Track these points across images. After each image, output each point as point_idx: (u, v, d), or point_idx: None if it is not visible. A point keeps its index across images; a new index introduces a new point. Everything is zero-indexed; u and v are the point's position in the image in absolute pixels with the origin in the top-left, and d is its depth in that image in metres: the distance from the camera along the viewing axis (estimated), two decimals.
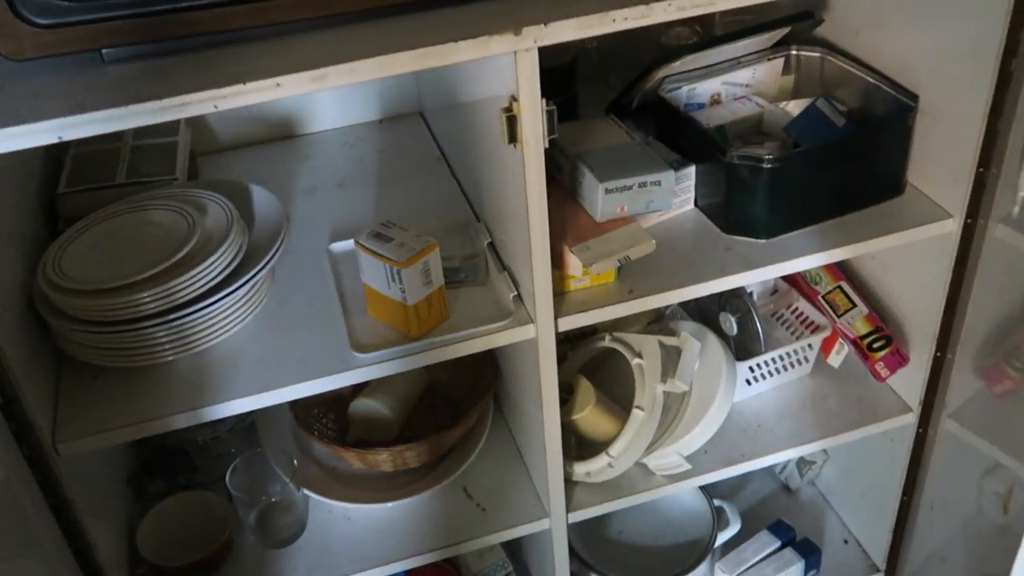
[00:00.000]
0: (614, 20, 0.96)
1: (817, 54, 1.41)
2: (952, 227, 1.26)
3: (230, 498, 1.30)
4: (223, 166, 1.48)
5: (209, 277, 1.07)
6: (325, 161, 1.49)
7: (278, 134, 1.55)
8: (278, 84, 0.89)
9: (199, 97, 0.87)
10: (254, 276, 1.10)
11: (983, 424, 1.36)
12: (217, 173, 1.45)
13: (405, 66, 0.92)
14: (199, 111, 0.88)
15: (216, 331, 1.11)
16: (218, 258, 1.08)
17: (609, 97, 1.43)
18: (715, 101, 1.40)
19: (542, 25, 0.94)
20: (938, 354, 1.38)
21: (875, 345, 1.41)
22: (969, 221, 1.26)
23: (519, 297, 1.17)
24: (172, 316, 1.05)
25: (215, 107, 0.88)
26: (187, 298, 1.06)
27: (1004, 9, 1.08)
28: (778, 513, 1.72)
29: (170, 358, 1.10)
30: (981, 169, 1.20)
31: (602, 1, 0.96)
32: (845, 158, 1.25)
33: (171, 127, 1.40)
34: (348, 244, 1.25)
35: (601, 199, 1.17)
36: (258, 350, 1.13)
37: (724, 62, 1.39)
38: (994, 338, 1.31)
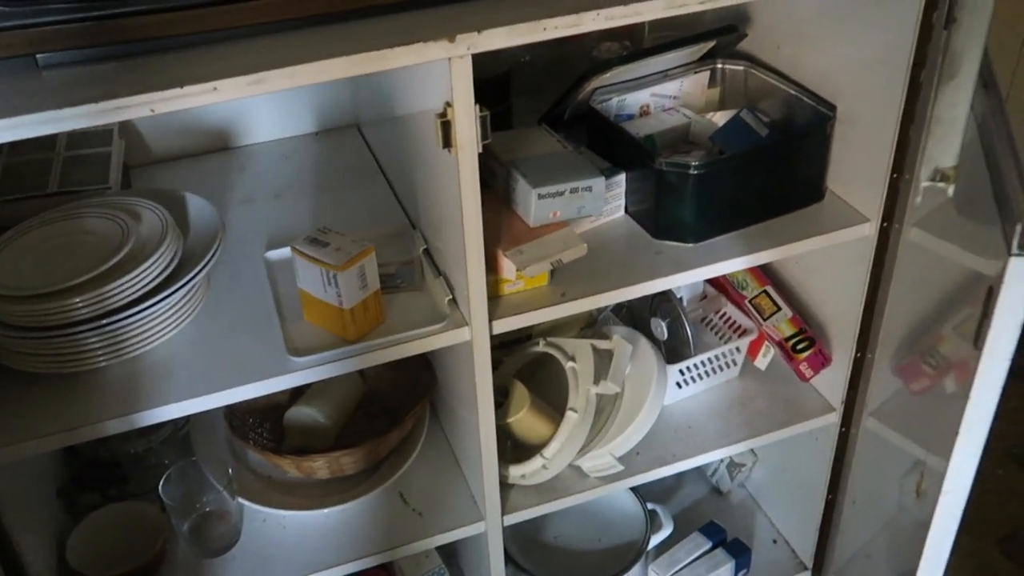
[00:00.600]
0: (545, 28, 0.99)
1: (741, 67, 1.46)
2: (869, 231, 1.32)
3: (163, 508, 1.29)
4: (157, 178, 1.47)
5: (143, 283, 1.07)
6: (261, 172, 1.49)
7: (213, 146, 1.54)
8: (215, 88, 0.90)
9: (135, 100, 0.87)
10: (188, 282, 1.10)
11: (902, 421, 1.42)
12: (151, 184, 1.44)
13: (342, 71, 0.93)
14: (136, 114, 0.88)
15: (150, 337, 1.11)
16: (152, 264, 1.08)
17: (543, 109, 1.46)
18: (644, 112, 1.45)
19: (475, 32, 0.96)
20: (858, 354, 1.44)
21: (799, 346, 1.46)
22: (885, 225, 1.31)
23: (454, 301, 1.19)
24: (105, 322, 1.05)
25: (152, 111, 0.89)
26: (120, 303, 1.06)
27: (913, 23, 1.14)
28: (710, 515, 1.76)
29: (103, 364, 1.09)
30: (895, 175, 1.26)
31: (534, 10, 1.00)
32: (768, 165, 1.31)
33: (104, 137, 1.39)
34: (284, 252, 1.26)
35: (534, 204, 1.20)
36: (193, 355, 1.13)
37: (653, 74, 1.44)
38: (911, 337, 1.37)
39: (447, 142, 1.03)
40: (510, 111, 1.47)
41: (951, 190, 0.78)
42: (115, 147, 1.37)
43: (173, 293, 1.09)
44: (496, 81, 1.43)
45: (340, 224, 1.22)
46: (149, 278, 1.08)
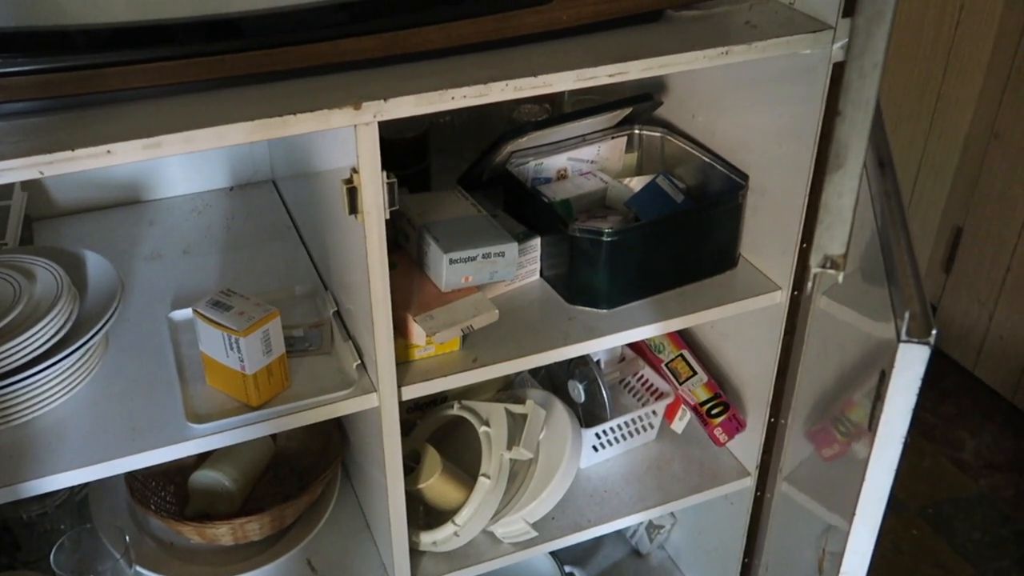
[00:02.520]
0: (452, 98, 0.99)
1: (658, 134, 1.48)
2: (780, 298, 1.34)
3: None
4: (61, 231, 1.43)
5: (34, 346, 1.03)
6: (171, 227, 1.46)
7: (123, 199, 1.51)
8: (108, 151, 0.87)
9: (23, 163, 0.85)
10: (82, 346, 1.06)
11: (814, 486, 1.43)
12: (54, 238, 1.40)
13: (243, 136, 0.92)
14: (23, 176, 0.85)
15: (41, 402, 1.06)
16: (43, 327, 1.04)
17: (462, 168, 1.46)
18: (561, 176, 1.45)
19: (382, 100, 0.96)
20: (772, 419, 1.45)
21: (714, 411, 1.46)
22: (796, 293, 1.33)
23: (363, 366, 1.17)
24: None
25: (40, 173, 0.86)
26: (9, 368, 1.02)
27: (819, 100, 1.17)
28: None
29: None
30: (804, 245, 1.28)
31: (444, 78, 0.99)
32: (681, 232, 1.31)
33: (4, 191, 1.35)
34: (188, 312, 1.23)
35: (445, 269, 1.18)
36: (87, 421, 1.09)
37: (571, 139, 1.45)
38: (822, 403, 1.38)
39: (353, 208, 1.01)
40: (428, 170, 1.47)
41: (841, 277, 0.79)
42: (15, 200, 1.33)
43: (65, 357, 1.05)
44: (414, 141, 1.43)
45: (250, 282, 1.19)
46: (40, 341, 1.04)
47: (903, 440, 0.75)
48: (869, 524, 0.84)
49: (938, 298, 2.53)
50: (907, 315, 0.68)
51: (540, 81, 1.02)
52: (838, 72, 1.15)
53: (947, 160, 2.44)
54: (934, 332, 0.68)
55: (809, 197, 1.24)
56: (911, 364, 0.71)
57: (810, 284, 0.99)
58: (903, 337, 0.70)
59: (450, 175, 1.45)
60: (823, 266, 0.72)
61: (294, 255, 1.39)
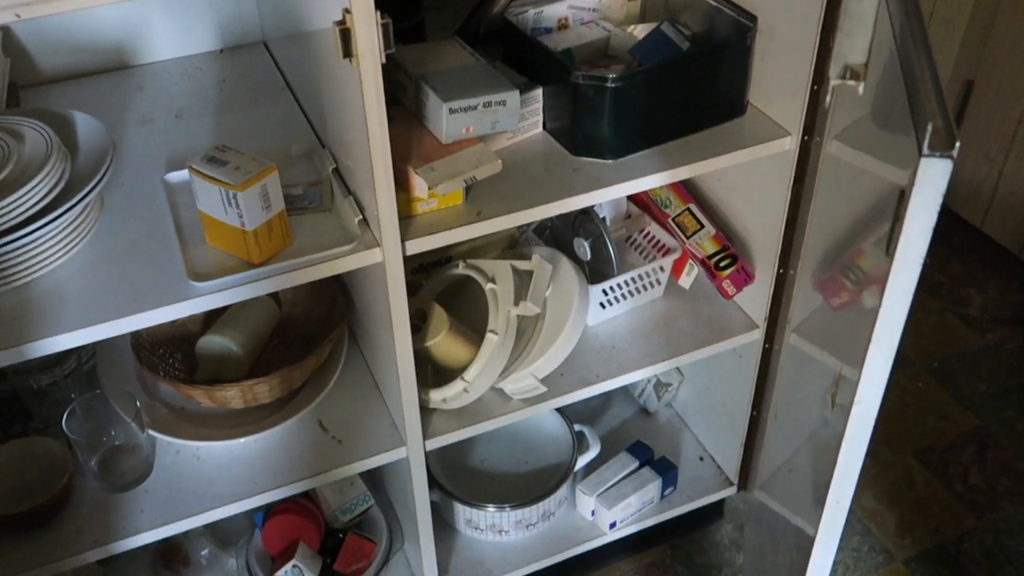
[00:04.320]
0: None
1: None
2: (790, 145, 1.30)
3: (70, 444, 1.24)
4: (49, 98, 1.39)
5: (27, 205, 1.01)
6: (161, 92, 1.42)
7: (109, 65, 1.46)
8: None
9: None
10: (77, 204, 1.04)
11: (823, 337, 1.42)
12: (42, 105, 1.35)
13: None
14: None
15: (38, 263, 1.04)
16: (35, 185, 1.01)
17: (457, 23, 1.40)
18: (562, 25, 1.40)
19: None
20: (781, 271, 1.43)
21: (722, 264, 1.45)
22: (806, 139, 1.29)
23: (365, 221, 1.14)
24: None
25: (16, 16, 0.82)
26: (3, 227, 0.99)
27: None
28: (637, 435, 1.77)
29: None
30: (816, 87, 1.24)
31: None
32: (687, 78, 1.27)
33: None
34: (184, 174, 1.20)
35: (445, 119, 1.15)
36: (87, 283, 1.07)
37: None
38: (832, 253, 1.36)
39: (347, 52, 0.97)
40: (423, 25, 1.41)
41: (861, 88, 0.76)
42: None
43: (61, 216, 1.03)
44: None
45: (245, 144, 1.15)
46: (33, 200, 1.01)
47: (922, 261, 0.73)
48: (884, 351, 0.83)
49: None
50: (929, 127, 0.65)
51: None
52: None
53: (959, 11, 2.35)
54: (957, 145, 0.65)
55: (821, 34, 1.19)
56: (933, 179, 0.68)
57: (829, 98, 0.95)
58: (925, 151, 0.67)
59: (446, 30, 1.39)
60: (843, 77, 0.69)
61: (289, 115, 1.35)
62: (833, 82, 0.74)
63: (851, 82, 0.74)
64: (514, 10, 1.35)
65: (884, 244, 1.04)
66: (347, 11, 0.95)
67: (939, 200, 0.70)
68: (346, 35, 0.96)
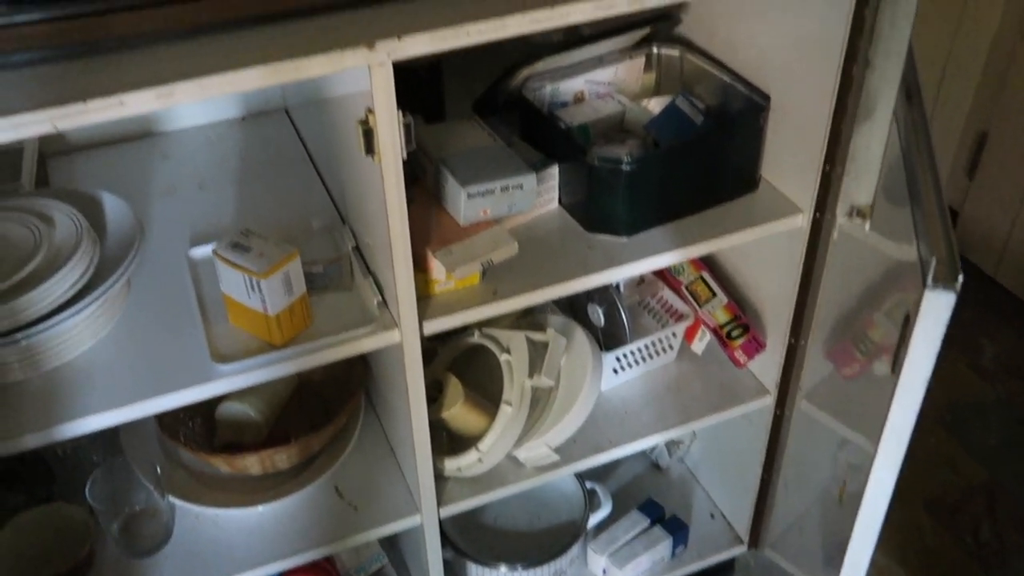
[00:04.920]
0: (468, 34, 0.96)
1: (676, 52, 1.44)
2: (802, 222, 1.32)
3: (92, 510, 1.27)
4: (75, 168, 1.42)
5: (57, 294, 1.04)
6: (185, 160, 1.45)
7: (135, 132, 1.49)
8: (121, 102, 0.86)
9: (36, 117, 0.83)
10: (105, 291, 1.07)
11: (834, 404, 1.44)
12: (69, 175, 1.39)
13: (255, 81, 0.90)
14: (36, 131, 0.84)
15: (67, 347, 1.07)
16: (66, 274, 1.04)
17: (477, 91, 1.43)
18: (579, 99, 1.42)
19: (396, 39, 0.93)
20: (792, 340, 1.45)
21: (733, 333, 1.47)
22: (818, 215, 1.31)
23: (384, 303, 1.17)
24: (19, 336, 1.02)
25: (54, 127, 0.85)
26: (34, 316, 1.02)
27: (845, 16, 1.12)
28: (649, 491, 1.78)
29: (20, 377, 1.06)
30: (827, 167, 1.25)
31: (458, 11, 0.96)
32: (701, 156, 1.29)
33: None
34: (208, 249, 1.23)
35: (464, 203, 1.17)
36: (114, 364, 1.10)
37: (587, 60, 1.41)
38: (842, 324, 1.38)
39: (369, 149, 1.00)
40: (442, 97, 1.44)
41: (867, 225, 0.78)
42: (28, 139, 1.32)
43: (90, 304, 1.06)
44: (428, 66, 1.40)
45: (267, 216, 1.19)
46: (63, 288, 1.04)
47: (926, 384, 0.75)
48: (891, 460, 0.85)
49: (961, 204, 2.50)
50: (934, 261, 0.67)
51: (557, 12, 0.99)
52: None
53: (973, 62, 2.37)
54: (960, 278, 0.67)
55: (833, 118, 1.21)
56: (936, 311, 0.70)
57: (835, 234, 0.97)
58: (929, 283, 0.69)
59: (465, 100, 1.42)
60: (849, 215, 0.71)
61: (310, 187, 1.38)
62: (840, 220, 0.75)
63: (858, 220, 0.76)
64: (532, 85, 1.38)
65: (894, 315, 1.06)
66: (370, 111, 0.98)
67: (943, 328, 0.72)
68: (369, 135, 0.99)
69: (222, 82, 0.89)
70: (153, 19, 0.91)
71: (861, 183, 0.72)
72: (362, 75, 0.96)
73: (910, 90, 0.86)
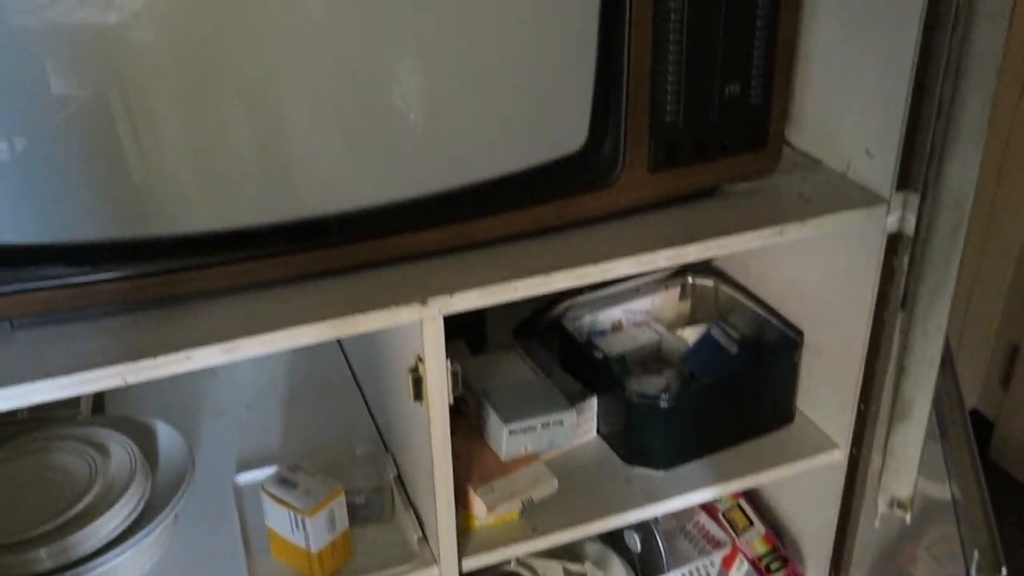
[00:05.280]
0: (516, 289, 1.01)
1: (711, 283, 1.49)
2: (839, 457, 1.33)
3: None
4: (129, 390, 1.47)
5: (109, 527, 1.06)
6: (234, 379, 1.50)
7: None
8: (188, 357, 0.91)
9: (107, 372, 0.88)
10: (155, 527, 1.09)
11: None
12: (123, 399, 1.43)
13: (314, 336, 0.95)
14: (107, 385, 0.89)
15: None
16: (119, 509, 1.07)
17: (518, 316, 1.47)
18: (616, 327, 1.47)
19: (448, 295, 0.98)
20: (832, 574, 1.43)
21: (772, 566, 1.45)
22: (854, 451, 1.32)
23: (424, 538, 1.18)
24: (68, 574, 1.03)
25: (124, 381, 0.89)
26: (86, 552, 1.04)
27: (875, 262, 1.17)
28: None
29: None
30: (862, 406, 1.28)
31: (506, 268, 1.02)
32: (737, 391, 1.32)
33: None
34: (253, 475, 1.26)
35: (506, 440, 1.20)
36: None
37: (625, 291, 1.47)
38: (884, 558, 1.36)
39: (418, 396, 1.04)
40: (484, 321, 1.49)
41: (908, 517, 0.79)
42: None
43: (140, 540, 1.08)
44: None
45: (312, 440, 1.21)
46: (115, 523, 1.07)
47: None
48: None
49: (996, 415, 2.49)
50: (976, 553, 0.68)
51: (600, 269, 1.04)
52: (894, 241, 1.16)
53: (1001, 275, 2.41)
54: (1003, 570, 0.67)
55: (866, 360, 1.24)
56: None
57: (876, 523, 0.98)
58: (972, 574, 0.69)
59: (506, 325, 1.47)
60: (890, 507, 0.73)
61: (355, 412, 1.42)
62: (881, 511, 0.77)
63: (899, 512, 0.78)
64: (571, 315, 1.43)
65: (937, 551, 1.04)
66: (420, 359, 1.02)
67: None
68: (418, 383, 1.03)
69: (284, 337, 0.94)
70: (223, 276, 0.97)
71: (901, 478, 0.74)
72: (414, 325, 1.01)
73: (944, 358, 0.89)
